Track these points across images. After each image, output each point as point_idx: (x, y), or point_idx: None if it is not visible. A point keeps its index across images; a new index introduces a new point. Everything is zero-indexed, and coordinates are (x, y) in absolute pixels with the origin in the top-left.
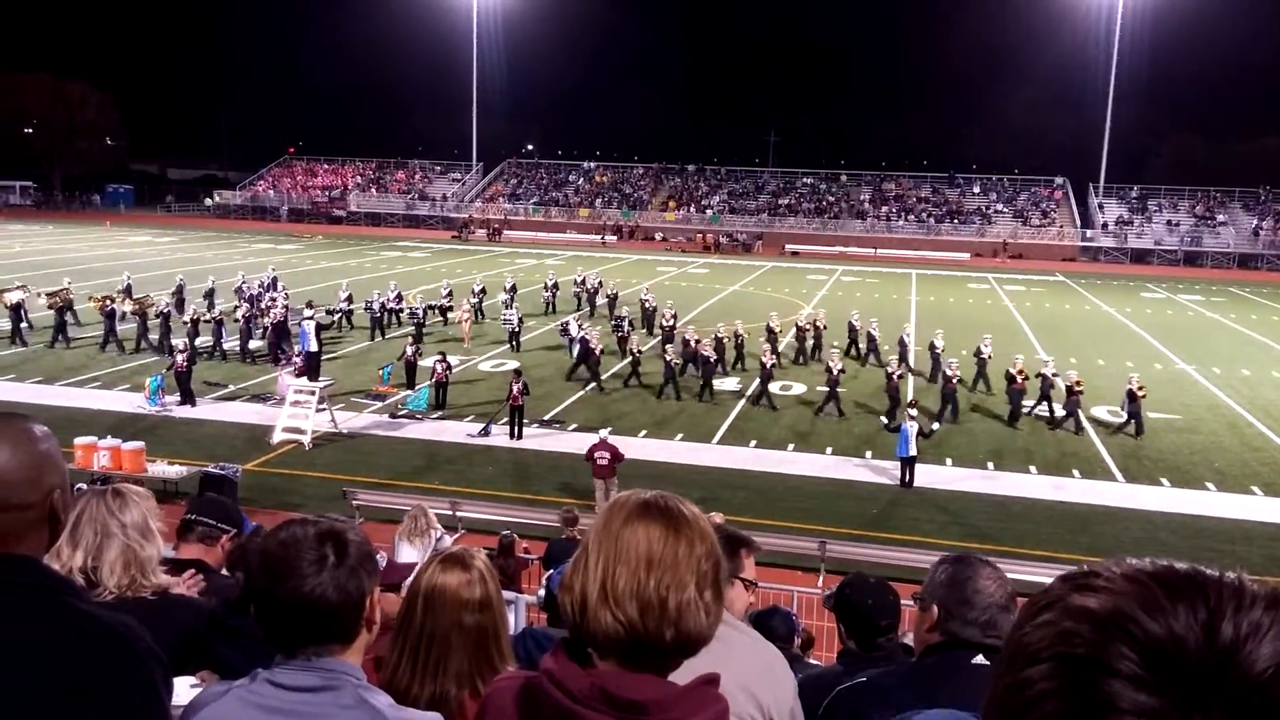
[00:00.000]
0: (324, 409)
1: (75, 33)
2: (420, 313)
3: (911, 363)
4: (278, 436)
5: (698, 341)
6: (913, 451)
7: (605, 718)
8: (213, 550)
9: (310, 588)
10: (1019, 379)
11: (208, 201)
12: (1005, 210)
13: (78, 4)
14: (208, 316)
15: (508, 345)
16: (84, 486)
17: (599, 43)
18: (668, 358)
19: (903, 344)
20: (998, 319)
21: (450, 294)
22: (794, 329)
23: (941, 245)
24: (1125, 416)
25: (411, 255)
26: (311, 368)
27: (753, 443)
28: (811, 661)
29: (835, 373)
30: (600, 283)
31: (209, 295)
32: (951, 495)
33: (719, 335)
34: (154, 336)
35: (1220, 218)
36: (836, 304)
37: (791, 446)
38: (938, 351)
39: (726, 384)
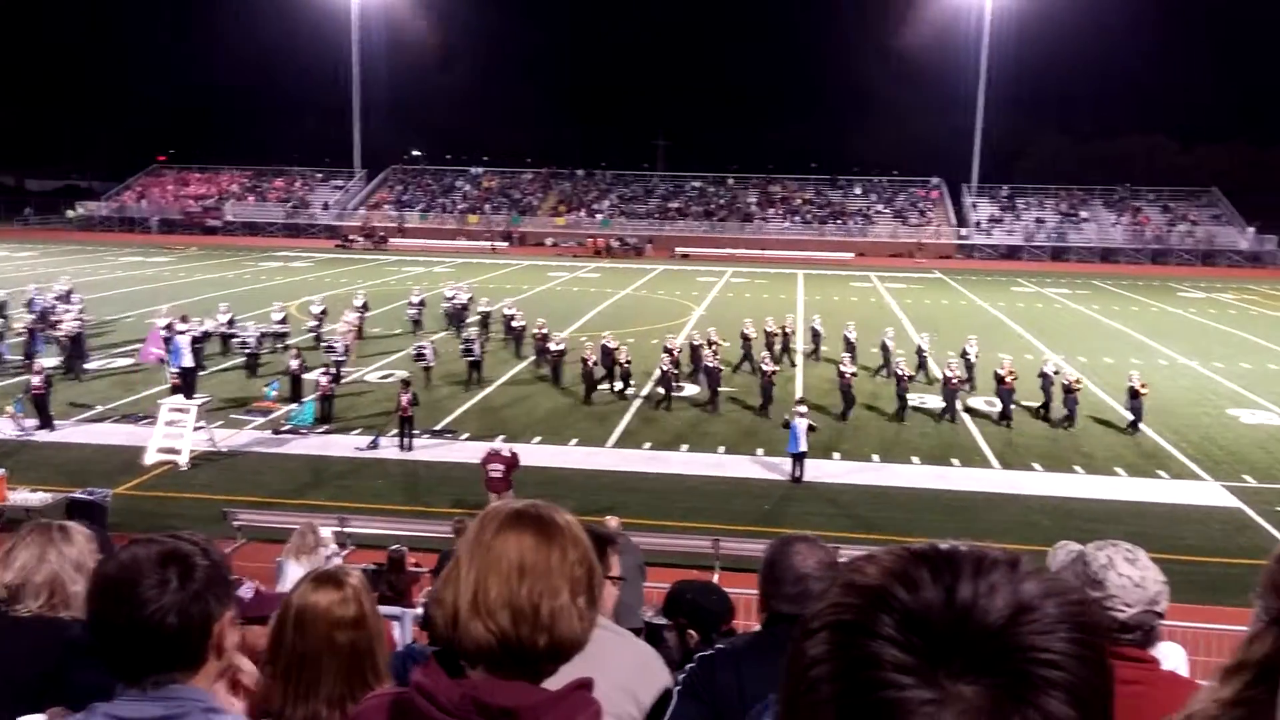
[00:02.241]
0: (201, 427)
1: None
2: (254, 341)
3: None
4: (151, 457)
5: (676, 350)
6: (803, 447)
7: None
8: None
9: (150, 612)
10: (1008, 379)
11: (70, 213)
12: (885, 210)
13: None
14: None
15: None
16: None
17: (485, 46)
18: (664, 367)
19: (814, 335)
20: (882, 316)
21: (285, 319)
22: (764, 334)
23: (826, 245)
24: (1129, 415)
25: (293, 265)
26: (187, 384)
27: (647, 445)
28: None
29: (848, 375)
30: (471, 298)
31: None
32: (840, 488)
33: (693, 343)
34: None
35: (1084, 214)
36: (727, 305)
37: (685, 447)
38: (925, 354)
39: (619, 386)
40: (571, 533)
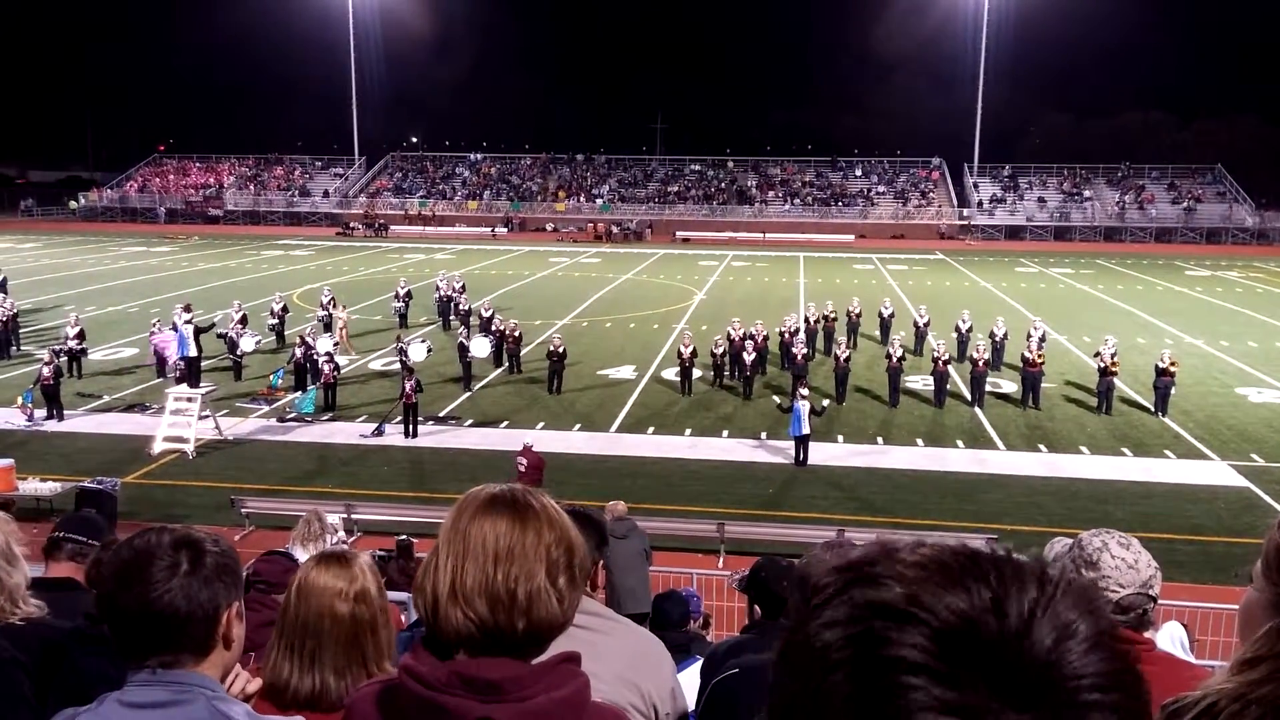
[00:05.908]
0: (207, 416)
1: None
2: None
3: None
4: (158, 447)
5: (761, 339)
6: (805, 430)
7: (465, 700)
8: (84, 567)
9: (159, 594)
10: (1037, 361)
11: (72, 204)
12: (886, 192)
13: None
14: None
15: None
16: None
17: (481, 33)
18: (716, 350)
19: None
20: (888, 298)
21: (286, 308)
22: (804, 323)
23: (827, 228)
24: (1155, 392)
25: (294, 254)
26: (192, 373)
27: (650, 430)
28: (710, 640)
29: (842, 360)
30: (464, 286)
31: None
32: (844, 471)
33: (779, 330)
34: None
35: (1086, 193)
36: (729, 290)
37: (689, 431)
38: (965, 335)
39: (622, 372)
40: (547, 514)
